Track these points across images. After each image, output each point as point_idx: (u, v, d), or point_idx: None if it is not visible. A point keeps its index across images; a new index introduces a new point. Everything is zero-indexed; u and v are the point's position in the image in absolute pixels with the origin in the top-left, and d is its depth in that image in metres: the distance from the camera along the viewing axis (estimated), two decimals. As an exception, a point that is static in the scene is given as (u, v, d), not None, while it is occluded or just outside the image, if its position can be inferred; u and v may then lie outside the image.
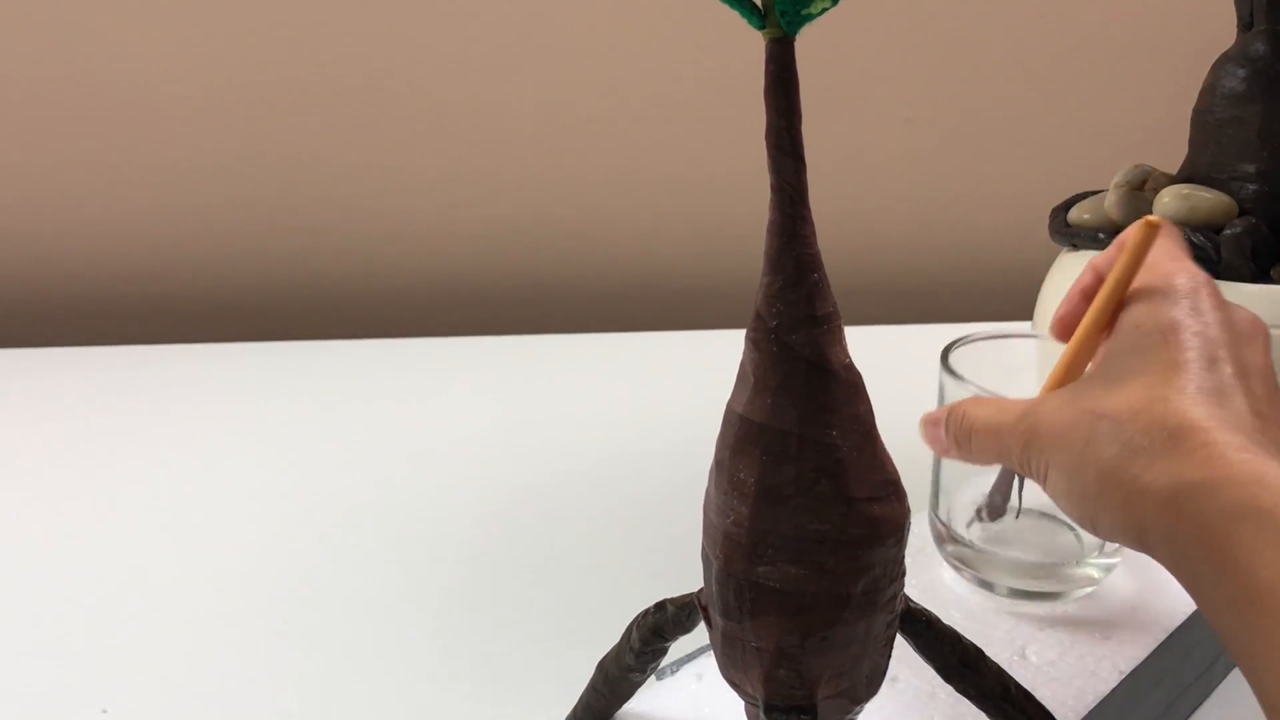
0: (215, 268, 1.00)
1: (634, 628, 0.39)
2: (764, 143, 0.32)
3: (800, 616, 0.33)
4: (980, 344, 0.53)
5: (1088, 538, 0.49)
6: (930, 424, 0.43)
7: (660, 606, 0.38)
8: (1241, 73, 0.57)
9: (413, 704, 0.50)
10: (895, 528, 0.33)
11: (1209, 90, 0.59)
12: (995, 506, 0.49)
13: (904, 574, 0.35)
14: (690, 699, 0.42)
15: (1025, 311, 0.66)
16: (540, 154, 0.98)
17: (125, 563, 0.62)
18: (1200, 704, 0.51)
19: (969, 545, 0.49)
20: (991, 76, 0.95)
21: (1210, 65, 0.59)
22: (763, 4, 0.30)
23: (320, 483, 0.70)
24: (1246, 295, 0.54)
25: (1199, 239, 0.55)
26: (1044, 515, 0.50)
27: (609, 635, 0.41)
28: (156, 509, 0.67)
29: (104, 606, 0.58)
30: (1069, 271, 0.61)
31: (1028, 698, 0.38)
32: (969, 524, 0.50)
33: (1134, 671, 0.45)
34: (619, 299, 1.00)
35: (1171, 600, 0.49)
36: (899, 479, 0.34)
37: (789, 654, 0.33)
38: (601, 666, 0.40)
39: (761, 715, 0.34)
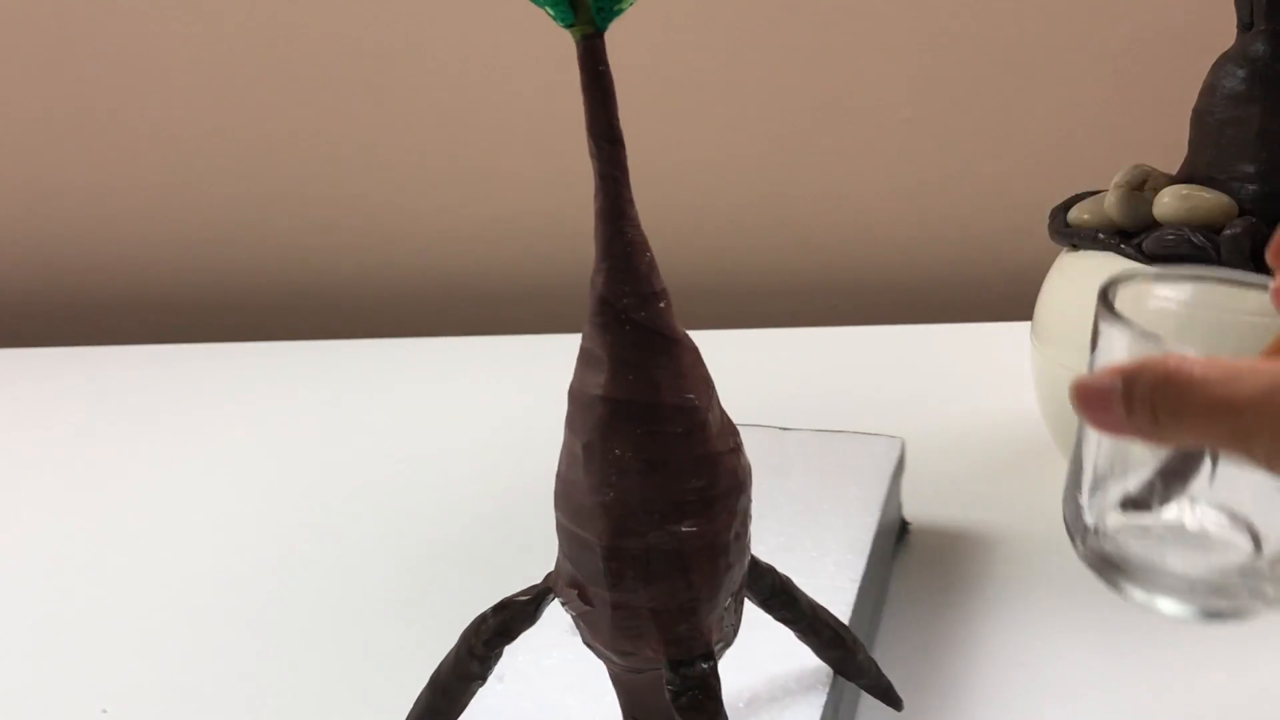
0: (215, 268, 1.00)
1: (473, 635, 0.39)
2: (587, 136, 0.35)
3: (692, 573, 0.35)
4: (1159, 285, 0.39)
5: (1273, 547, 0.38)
6: (1095, 392, 0.32)
7: (503, 606, 0.39)
8: (1241, 73, 0.57)
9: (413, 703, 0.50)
10: (748, 475, 0.37)
11: (1209, 90, 0.59)
12: (1161, 492, 0.38)
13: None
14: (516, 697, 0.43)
15: (1025, 311, 0.66)
16: (540, 153, 0.98)
17: (125, 562, 0.62)
18: None
19: (1124, 552, 0.39)
20: (991, 76, 0.95)
21: (1210, 66, 0.59)
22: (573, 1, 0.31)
23: (321, 482, 0.70)
24: (1246, 296, 0.54)
25: (1199, 239, 0.55)
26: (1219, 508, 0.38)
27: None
28: (156, 508, 0.67)
29: (104, 606, 0.58)
30: (1069, 272, 0.61)
31: (830, 615, 0.43)
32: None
33: None
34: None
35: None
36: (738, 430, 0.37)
37: (687, 609, 0.35)
38: (435, 683, 0.41)
39: (668, 673, 0.36)
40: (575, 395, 0.36)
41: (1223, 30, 0.60)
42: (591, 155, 0.34)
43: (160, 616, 0.57)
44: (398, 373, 0.87)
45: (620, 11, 0.33)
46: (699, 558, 0.35)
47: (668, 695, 0.36)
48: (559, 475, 0.37)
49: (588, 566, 0.36)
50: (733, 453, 0.36)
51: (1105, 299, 0.35)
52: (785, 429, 0.63)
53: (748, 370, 0.85)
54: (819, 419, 0.76)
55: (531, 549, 0.61)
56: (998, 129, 0.97)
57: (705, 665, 0.36)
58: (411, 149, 0.97)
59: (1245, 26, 0.58)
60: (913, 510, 0.64)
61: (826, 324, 0.99)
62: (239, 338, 0.99)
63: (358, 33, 0.94)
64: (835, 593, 0.47)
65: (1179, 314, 0.54)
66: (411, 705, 0.41)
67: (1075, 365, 0.59)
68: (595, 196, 0.35)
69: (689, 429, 0.34)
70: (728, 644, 0.38)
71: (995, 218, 0.99)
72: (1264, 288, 0.36)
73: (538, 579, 0.51)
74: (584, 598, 0.36)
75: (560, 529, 0.37)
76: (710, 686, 0.36)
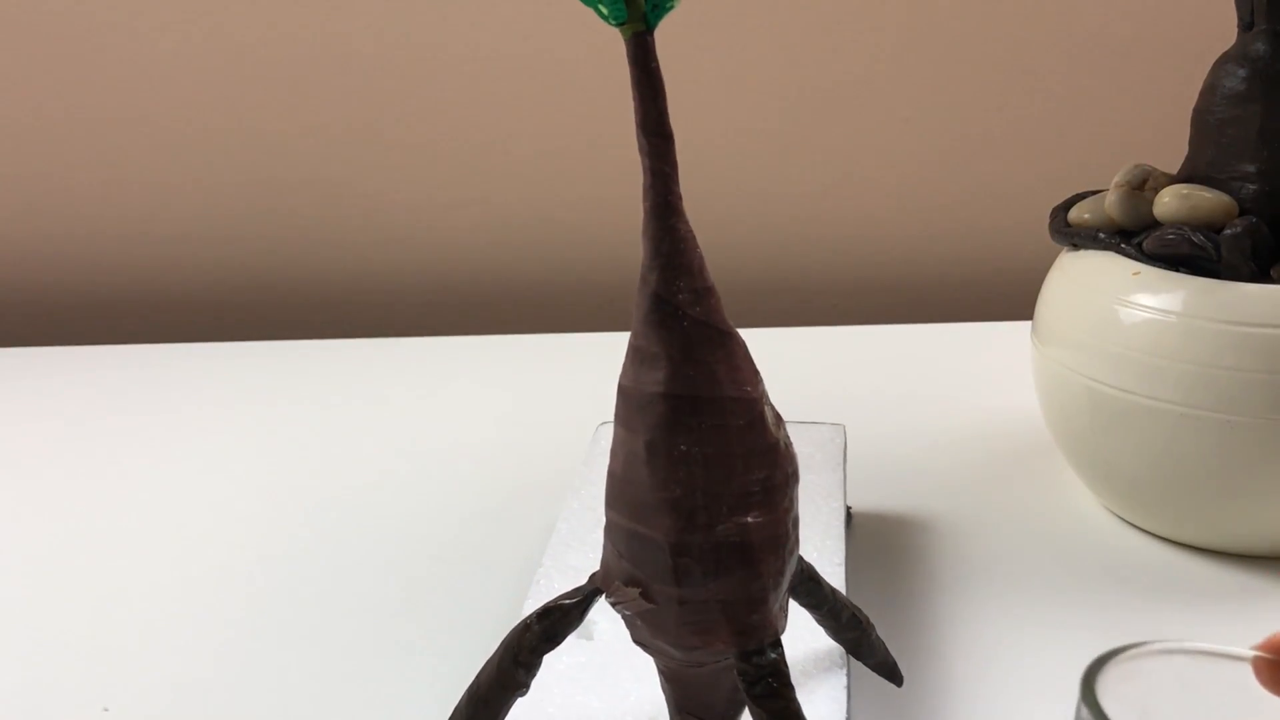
0: (215, 267, 1.00)
1: (517, 642, 0.39)
2: (637, 133, 0.34)
3: (760, 563, 0.35)
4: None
5: None
6: None
7: (547, 612, 0.39)
8: (1242, 73, 0.57)
9: (416, 704, 0.50)
10: (797, 462, 0.37)
11: (1209, 90, 0.59)
12: None
13: None
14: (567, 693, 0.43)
15: (1025, 311, 0.66)
16: (540, 153, 0.98)
17: (125, 563, 0.62)
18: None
19: None
20: (992, 76, 0.95)
21: (1210, 65, 0.59)
22: None
23: (320, 482, 0.70)
24: (1247, 295, 0.54)
25: (1199, 239, 0.55)
26: None
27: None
28: (156, 508, 0.67)
29: (104, 606, 0.58)
30: (1069, 272, 0.61)
31: (846, 598, 0.44)
32: None
33: None
34: (620, 298, 1.00)
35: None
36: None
37: (757, 599, 0.36)
38: (475, 695, 0.40)
39: (740, 664, 0.36)
40: (630, 393, 0.35)
41: (1223, 30, 0.60)
42: (642, 151, 0.34)
43: (160, 615, 0.57)
44: (398, 373, 0.87)
45: (670, 8, 0.33)
46: (765, 548, 0.36)
47: (741, 686, 0.36)
48: (613, 475, 0.36)
49: (652, 564, 0.36)
50: (787, 442, 0.37)
51: (1088, 684, 0.32)
52: None
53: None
54: (819, 419, 0.76)
55: (530, 548, 0.61)
56: (998, 129, 0.97)
57: (775, 653, 0.36)
58: (412, 149, 0.97)
59: (1246, 26, 0.58)
60: (914, 509, 0.64)
61: (826, 324, 0.99)
62: (239, 337, 0.99)
63: (360, 31, 0.94)
64: (826, 577, 0.48)
65: (1177, 326, 0.54)
66: (449, 716, 0.41)
67: (1076, 365, 0.59)
68: (645, 193, 0.35)
69: (750, 420, 0.35)
70: (783, 631, 0.39)
71: (996, 217, 0.99)
72: (1244, 659, 0.33)
73: (539, 578, 0.51)
74: (647, 596, 0.36)
75: (614, 529, 0.37)
76: (782, 673, 0.36)
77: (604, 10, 0.33)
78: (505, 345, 0.91)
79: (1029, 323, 0.64)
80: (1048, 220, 0.64)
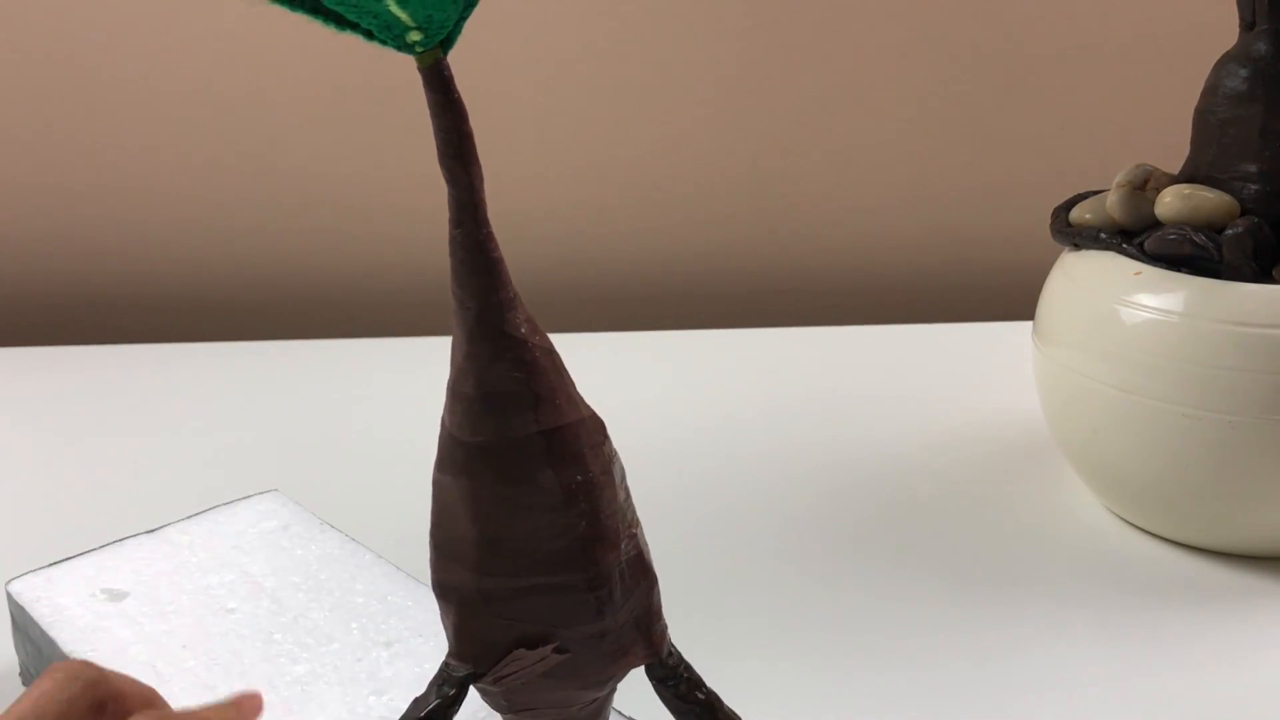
0: (215, 267, 1.00)
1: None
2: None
3: (650, 567, 0.35)
4: None
5: None
6: None
7: (446, 681, 0.35)
8: (1243, 72, 0.57)
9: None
10: None
11: (1211, 90, 0.59)
12: None
13: None
14: None
15: (1027, 312, 0.66)
16: (541, 153, 0.98)
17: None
18: None
19: None
20: (993, 76, 0.95)
21: (1212, 65, 0.59)
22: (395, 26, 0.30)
23: (320, 482, 0.70)
24: (1248, 295, 0.54)
25: (1201, 239, 0.55)
26: None
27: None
28: (156, 508, 0.67)
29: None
30: (1071, 272, 0.61)
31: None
32: None
33: None
34: (621, 298, 1.00)
35: None
36: None
37: (656, 604, 0.35)
38: None
39: (658, 671, 0.36)
40: (493, 445, 0.32)
41: (1225, 30, 0.60)
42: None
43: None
44: (398, 373, 0.87)
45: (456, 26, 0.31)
46: (645, 551, 0.35)
47: (665, 693, 0.36)
48: (482, 541, 0.33)
49: (565, 610, 0.33)
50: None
51: None
52: None
53: (748, 370, 0.85)
54: (820, 419, 0.76)
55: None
56: (999, 129, 0.97)
57: (674, 650, 0.36)
58: (412, 148, 0.97)
59: (1248, 26, 0.58)
60: (914, 509, 0.64)
61: (827, 324, 0.99)
62: (239, 337, 0.99)
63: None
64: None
65: (1178, 326, 0.54)
66: None
67: (1077, 365, 0.59)
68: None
69: (601, 430, 0.34)
70: None
71: (997, 217, 0.99)
72: None
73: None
74: (560, 649, 0.34)
75: (494, 598, 0.33)
76: (687, 664, 0.36)
77: (413, 39, 0.30)
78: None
79: (1030, 323, 0.64)
80: (1049, 220, 0.64)
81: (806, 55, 0.94)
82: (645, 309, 1.00)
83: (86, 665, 0.34)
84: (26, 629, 0.49)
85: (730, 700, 0.37)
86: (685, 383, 0.83)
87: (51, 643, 0.47)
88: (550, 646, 0.34)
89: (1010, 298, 0.97)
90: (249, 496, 0.58)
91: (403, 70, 1.04)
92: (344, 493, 0.68)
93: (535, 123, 0.97)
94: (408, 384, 0.85)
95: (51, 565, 0.52)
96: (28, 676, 0.51)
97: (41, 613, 0.48)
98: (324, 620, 0.48)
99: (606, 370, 0.87)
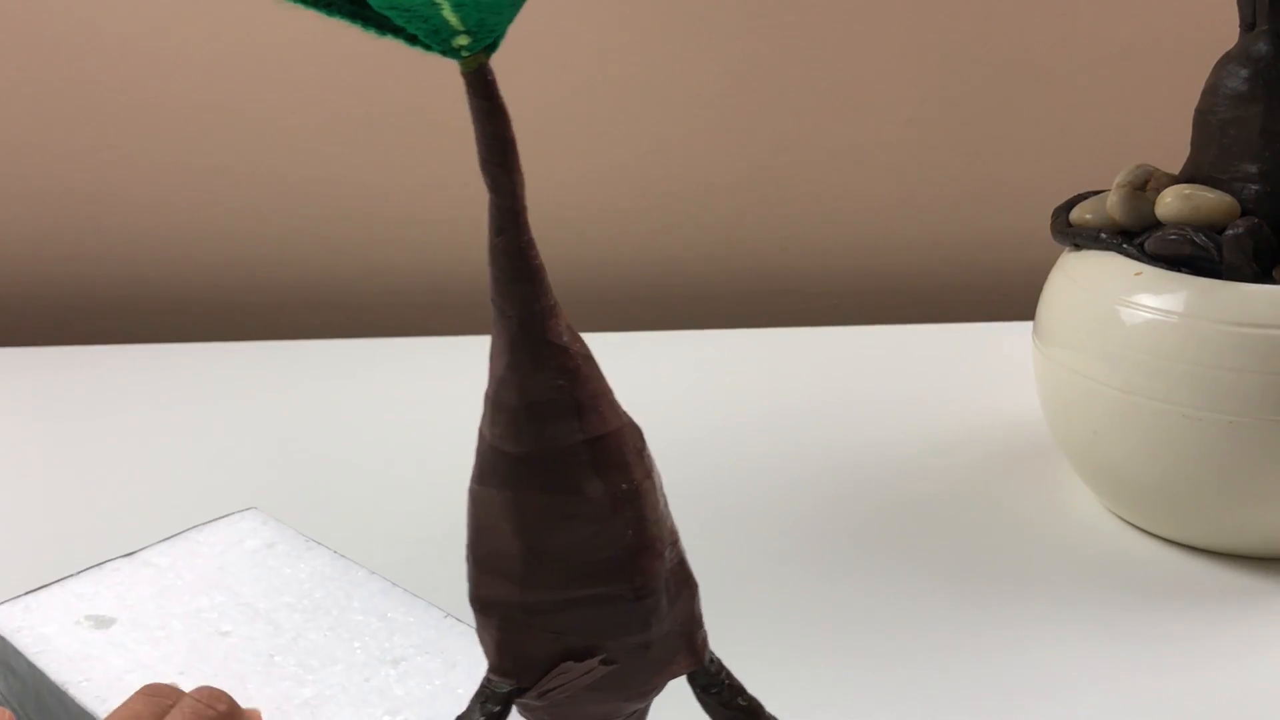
0: (215, 267, 1.00)
1: None
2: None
3: (691, 575, 0.34)
4: None
5: None
6: None
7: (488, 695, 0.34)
8: (1244, 73, 0.57)
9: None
10: None
11: (1211, 90, 0.59)
12: None
13: None
14: None
15: (1027, 312, 0.66)
16: (542, 154, 0.98)
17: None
18: None
19: None
20: (993, 76, 0.95)
21: (1212, 65, 0.59)
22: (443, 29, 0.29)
23: (320, 482, 0.70)
24: (1249, 296, 0.54)
25: (1201, 239, 0.55)
26: None
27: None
28: (155, 508, 0.67)
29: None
30: (1071, 272, 0.61)
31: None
32: None
33: None
34: (619, 299, 1.00)
35: None
36: None
37: (698, 611, 0.35)
38: None
39: (701, 680, 0.35)
40: (534, 455, 0.32)
41: (1225, 30, 0.60)
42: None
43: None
44: (398, 373, 0.87)
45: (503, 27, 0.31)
46: (685, 557, 0.34)
47: (708, 700, 0.35)
48: (529, 554, 0.32)
49: (612, 620, 0.33)
50: None
51: None
52: None
53: (749, 370, 0.85)
54: (820, 419, 0.76)
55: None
56: (1000, 129, 0.97)
57: (714, 656, 0.35)
58: (412, 148, 0.97)
59: (1248, 26, 0.58)
60: (915, 509, 0.64)
61: (827, 324, 0.99)
62: (239, 337, 0.99)
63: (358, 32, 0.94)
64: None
65: (1179, 327, 0.54)
66: None
67: (1078, 366, 0.59)
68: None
69: (637, 433, 0.33)
70: None
71: (998, 218, 0.99)
72: None
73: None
74: (607, 660, 0.33)
75: (537, 611, 0.33)
76: (727, 670, 0.35)
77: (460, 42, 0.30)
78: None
79: (1031, 323, 0.64)
80: (1049, 220, 0.64)
81: (808, 57, 0.94)
82: (645, 310, 1.00)
83: (220, 694, 0.35)
84: (9, 660, 0.48)
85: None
86: (685, 383, 0.83)
87: (40, 674, 0.45)
88: (597, 659, 0.33)
89: (1011, 298, 0.97)
90: (227, 515, 0.56)
91: (403, 71, 1.04)
92: (322, 508, 0.67)
93: (535, 124, 0.97)
94: (408, 384, 0.85)
95: (28, 593, 0.50)
96: (11, 708, 0.49)
97: (25, 643, 0.47)
98: (324, 640, 0.47)
99: (606, 372, 0.87)
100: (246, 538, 0.55)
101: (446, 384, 0.84)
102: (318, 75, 0.95)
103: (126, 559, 0.53)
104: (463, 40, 0.29)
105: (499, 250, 0.32)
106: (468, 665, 0.46)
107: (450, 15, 0.28)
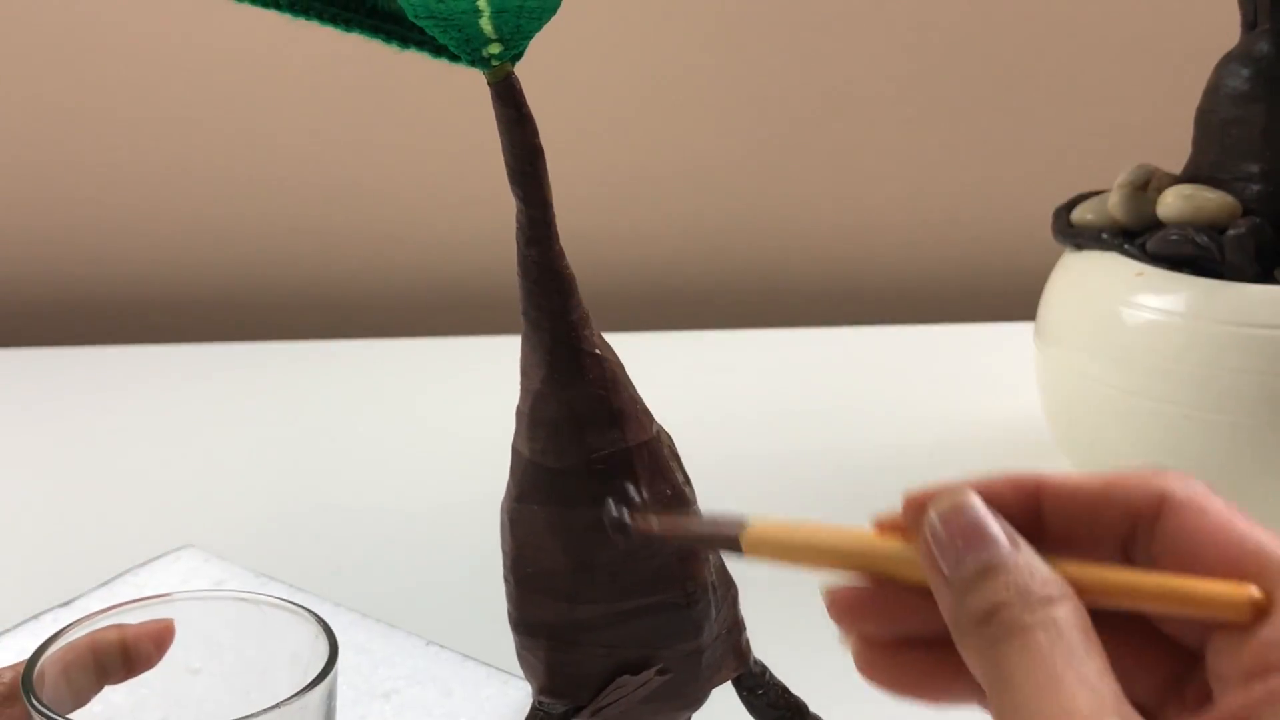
0: (216, 268, 1.00)
1: None
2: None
3: (731, 580, 0.34)
4: None
5: None
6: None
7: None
8: (1245, 72, 0.57)
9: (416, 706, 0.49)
10: None
11: (1213, 90, 0.59)
12: None
13: None
14: None
15: (1028, 312, 0.66)
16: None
17: (123, 563, 0.61)
18: None
19: None
20: (995, 75, 0.95)
21: (1214, 65, 0.59)
22: (472, 38, 0.28)
23: (319, 482, 0.70)
24: (1250, 296, 0.54)
25: (1202, 239, 0.55)
26: None
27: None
28: (155, 507, 0.67)
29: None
30: (1072, 272, 0.61)
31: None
32: None
33: None
34: (618, 299, 1.00)
35: None
36: None
37: (741, 615, 0.34)
38: None
39: (748, 682, 0.35)
40: (580, 470, 0.31)
41: (1227, 30, 0.60)
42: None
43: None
44: (397, 373, 0.86)
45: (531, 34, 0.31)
46: (723, 559, 0.34)
47: (756, 702, 0.35)
48: (574, 572, 0.32)
49: (664, 632, 0.32)
50: None
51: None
52: None
53: (749, 371, 0.85)
54: (820, 420, 0.76)
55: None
56: (1001, 129, 0.97)
57: (757, 659, 0.35)
58: (412, 148, 0.97)
59: (1249, 26, 0.58)
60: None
61: (827, 324, 0.99)
62: (239, 338, 0.99)
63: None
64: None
65: (1180, 327, 0.54)
66: None
67: (1080, 366, 0.59)
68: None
69: (668, 437, 0.33)
70: None
71: (999, 218, 0.99)
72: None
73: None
74: (663, 670, 0.33)
75: (587, 627, 0.32)
76: (769, 670, 0.35)
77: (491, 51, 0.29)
78: (506, 345, 0.91)
79: (1032, 323, 0.64)
80: (1050, 221, 0.64)
81: (808, 57, 0.94)
82: (644, 310, 1.00)
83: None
84: None
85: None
86: (684, 384, 0.83)
87: None
88: (653, 669, 0.32)
89: (1012, 298, 0.96)
90: (163, 555, 0.52)
91: (403, 72, 1.04)
92: (260, 540, 0.64)
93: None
94: (407, 384, 0.85)
95: None
96: None
97: None
98: None
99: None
100: (192, 576, 0.51)
101: (416, 391, 0.84)
102: (318, 75, 0.95)
103: (64, 608, 0.49)
104: (494, 49, 0.29)
105: (532, 262, 0.31)
106: (464, 692, 0.44)
107: (487, 24, 0.28)
